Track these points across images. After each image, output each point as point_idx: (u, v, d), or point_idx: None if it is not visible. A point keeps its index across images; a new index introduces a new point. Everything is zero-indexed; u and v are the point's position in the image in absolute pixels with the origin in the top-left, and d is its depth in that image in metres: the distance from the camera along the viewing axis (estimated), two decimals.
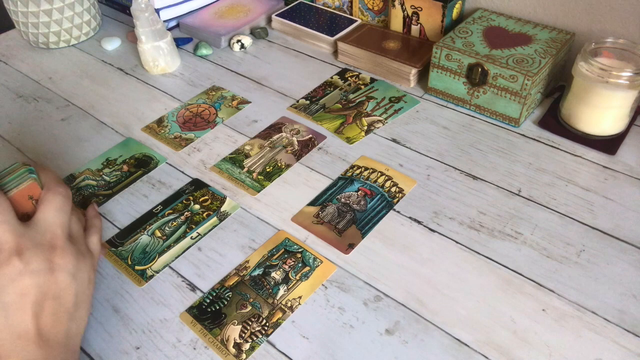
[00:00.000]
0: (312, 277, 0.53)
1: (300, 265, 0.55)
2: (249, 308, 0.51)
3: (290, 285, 0.53)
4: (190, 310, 0.51)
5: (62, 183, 0.49)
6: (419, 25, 0.84)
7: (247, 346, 0.48)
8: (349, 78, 0.82)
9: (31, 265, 0.41)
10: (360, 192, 0.62)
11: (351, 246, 0.56)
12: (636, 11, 0.70)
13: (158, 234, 0.59)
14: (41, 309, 0.41)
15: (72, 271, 0.43)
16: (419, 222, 0.58)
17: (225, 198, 0.63)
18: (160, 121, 0.76)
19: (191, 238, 0.58)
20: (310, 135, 0.71)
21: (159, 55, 0.84)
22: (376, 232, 0.58)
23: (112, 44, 0.93)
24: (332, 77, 0.82)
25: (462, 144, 0.69)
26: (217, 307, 0.51)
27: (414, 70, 0.78)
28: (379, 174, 0.65)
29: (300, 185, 0.64)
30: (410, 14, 0.84)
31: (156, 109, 0.78)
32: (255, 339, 0.48)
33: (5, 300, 0.40)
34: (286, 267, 0.54)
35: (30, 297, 0.41)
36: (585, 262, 0.54)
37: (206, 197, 0.63)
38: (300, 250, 0.56)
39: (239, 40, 0.90)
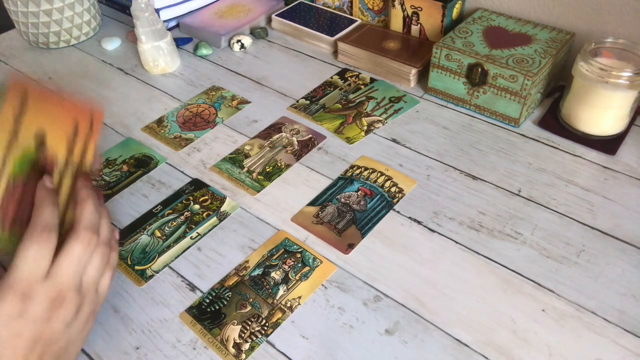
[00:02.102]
0: (311, 277, 0.53)
1: (300, 265, 0.55)
2: (249, 308, 0.51)
3: (290, 285, 0.53)
4: (189, 310, 0.51)
5: (92, 226, 0.44)
6: (419, 25, 0.84)
7: (246, 346, 0.48)
8: (349, 78, 0.82)
9: (32, 312, 0.40)
10: (360, 192, 0.62)
11: (351, 246, 0.56)
12: (636, 11, 0.70)
13: (158, 234, 0.59)
14: (30, 351, 0.41)
15: (70, 321, 0.43)
16: (419, 222, 0.58)
17: (225, 198, 0.63)
18: (160, 121, 0.76)
19: (191, 238, 0.58)
20: (310, 135, 0.71)
21: (159, 55, 0.84)
22: (376, 232, 0.58)
23: (112, 44, 0.93)
24: (332, 77, 0.82)
25: (462, 144, 0.69)
26: (217, 307, 0.51)
27: (414, 70, 0.78)
28: (379, 174, 0.65)
29: (300, 185, 0.64)
30: (410, 14, 0.84)
31: (156, 109, 0.78)
32: (254, 339, 0.48)
33: None
34: (286, 267, 0.54)
35: (22, 340, 0.40)
36: (585, 262, 0.54)
37: (206, 197, 0.63)
38: (300, 250, 0.56)
39: (239, 40, 0.90)
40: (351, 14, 0.94)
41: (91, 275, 0.45)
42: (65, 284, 0.42)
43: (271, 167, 0.67)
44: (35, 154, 0.45)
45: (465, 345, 0.47)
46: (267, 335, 0.49)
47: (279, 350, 0.48)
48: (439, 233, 0.57)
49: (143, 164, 0.68)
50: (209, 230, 0.59)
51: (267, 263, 0.55)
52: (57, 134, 0.45)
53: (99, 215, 0.45)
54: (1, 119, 0.44)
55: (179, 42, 0.92)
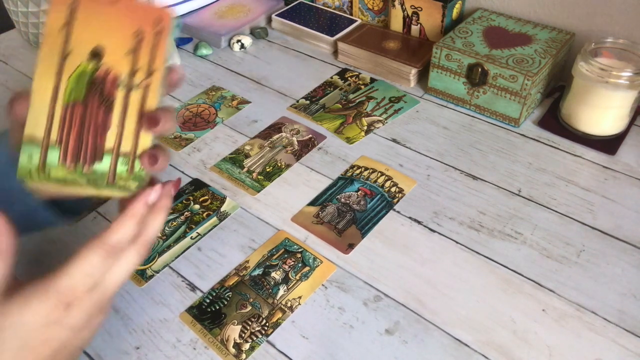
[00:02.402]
0: (312, 277, 0.53)
1: (300, 265, 0.55)
2: (249, 308, 0.51)
3: (290, 285, 0.53)
4: (190, 310, 0.51)
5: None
6: (419, 25, 0.84)
7: (247, 346, 0.48)
8: (349, 78, 0.82)
9: (71, 321, 0.38)
10: (360, 192, 0.62)
11: (351, 246, 0.56)
12: (636, 11, 0.70)
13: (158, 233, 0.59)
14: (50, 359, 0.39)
15: (94, 331, 0.41)
16: (419, 222, 0.58)
17: (225, 198, 0.63)
18: None
19: (191, 238, 0.58)
20: (310, 135, 0.71)
21: None
22: (376, 232, 0.58)
23: None
24: (332, 77, 0.82)
25: (462, 144, 0.69)
26: (217, 307, 0.51)
27: (414, 70, 0.78)
28: (379, 174, 0.65)
29: (300, 185, 0.64)
30: (410, 14, 0.84)
31: None
32: (255, 339, 0.48)
33: (28, 343, 0.37)
34: (286, 267, 0.54)
35: (49, 347, 0.38)
36: (585, 262, 0.54)
37: (206, 197, 0.63)
38: (300, 250, 0.56)
39: (239, 40, 0.90)
40: (351, 14, 0.94)
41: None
42: (108, 295, 0.40)
43: (271, 167, 0.67)
44: (92, 72, 0.38)
45: (466, 345, 0.47)
46: (267, 335, 0.49)
47: (279, 350, 0.48)
48: (439, 233, 0.57)
49: None
50: (209, 230, 0.59)
51: (267, 263, 0.55)
52: (116, 45, 0.38)
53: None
54: (48, 35, 0.37)
55: (179, 42, 0.92)
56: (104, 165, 0.39)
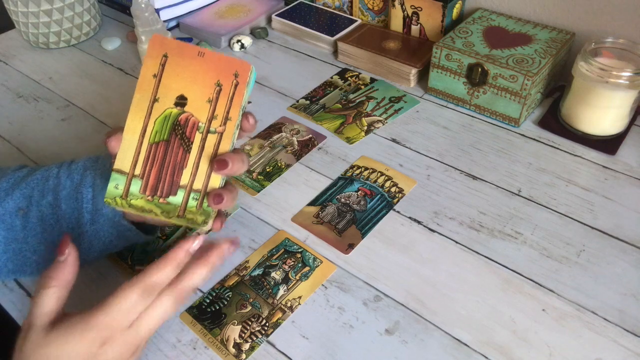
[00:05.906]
0: (312, 277, 0.53)
1: (300, 265, 0.55)
2: (249, 308, 0.51)
3: (290, 285, 0.53)
4: (190, 310, 0.51)
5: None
6: (419, 25, 0.84)
7: (247, 346, 0.48)
8: (349, 78, 0.82)
9: (104, 358, 0.39)
10: (360, 192, 0.62)
11: (351, 246, 0.56)
12: (636, 11, 0.70)
13: (158, 233, 0.59)
14: None
15: None
16: (419, 222, 0.59)
17: None
18: None
19: None
20: (310, 135, 0.71)
21: None
22: (376, 232, 0.58)
23: (112, 44, 0.93)
24: (332, 77, 0.82)
25: (462, 144, 0.69)
26: (217, 307, 0.51)
27: (414, 70, 0.78)
28: (379, 174, 0.65)
29: (300, 185, 0.64)
30: (410, 14, 0.84)
31: None
32: (255, 339, 0.48)
33: None
34: (286, 267, 0.54)
35: None
36: (585, 262, 0.54)
37: None
38: (300, 250, 0.56)
39: (239, 40, 0.90)
40: (351, 14, 0.94)
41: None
42: (140, 338, 0.41)
43: (271, 167, 0.67)
44: (175, 117, 0.43)
45: (465, 345, 0.47)
46: (267, 335, 0.49)
47: (279, 350, 0.48)
48: (439, 233, 0.57)
49: None
50: (209, 231, 0.59)
51: (267, 263, 0.55)
52: (198, 94, 0.43)
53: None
54: (142, 82, 0.43)
55: None
56: (177, 198, 0.44)
